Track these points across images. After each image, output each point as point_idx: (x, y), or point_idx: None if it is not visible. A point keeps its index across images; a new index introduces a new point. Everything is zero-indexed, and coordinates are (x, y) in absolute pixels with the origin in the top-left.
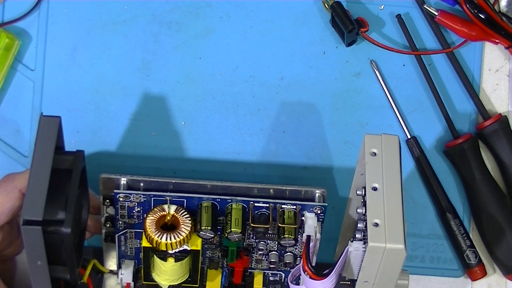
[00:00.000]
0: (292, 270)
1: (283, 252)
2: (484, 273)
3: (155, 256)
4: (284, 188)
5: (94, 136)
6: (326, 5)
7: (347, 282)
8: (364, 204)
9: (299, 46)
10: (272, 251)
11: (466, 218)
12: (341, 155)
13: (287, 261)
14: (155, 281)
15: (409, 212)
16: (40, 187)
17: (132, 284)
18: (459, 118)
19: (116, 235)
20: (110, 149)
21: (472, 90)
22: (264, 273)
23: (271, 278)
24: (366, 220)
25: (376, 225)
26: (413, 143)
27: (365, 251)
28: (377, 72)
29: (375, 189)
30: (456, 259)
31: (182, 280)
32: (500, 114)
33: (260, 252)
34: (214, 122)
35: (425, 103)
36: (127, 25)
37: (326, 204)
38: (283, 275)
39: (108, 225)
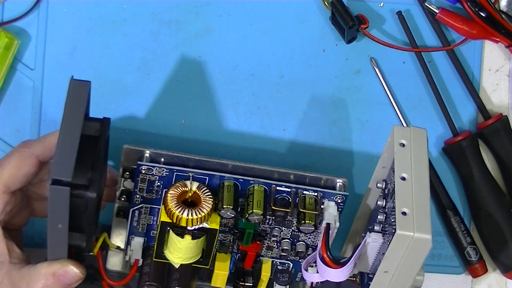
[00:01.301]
0: (306, 258)
1: (295, 240)
2: (485, 270)
3: (171, 232)
4: (305, 174)
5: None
6: (326, 2)
7: (352, 278)
8: (385, 196)
9: (298, 44)
10: (285, 238)
11: (466, 215)
12: (341, 153)
13: (299, 250)
14: (166, 259)
15: None
16: (70, 149)
17: (140, 261)
18: (458, 116)
19: (131, 209)
20: (110, 148)
21: (472, 88)
22: (273, 261)
23: (279, 267)
24: (391, 209)
25: (404, 214)
26: None
27: (383, 242)
28: (377, 70)
29: (403, 178)
30: (456, 256)
31: (194, 260)
32: (501, 114)
33: (273, 239)
34: (214, 120)
35: (425, 101)
36: (127, 24)
37: (347, 194)
38: (291, 265)
39: (123, 199)
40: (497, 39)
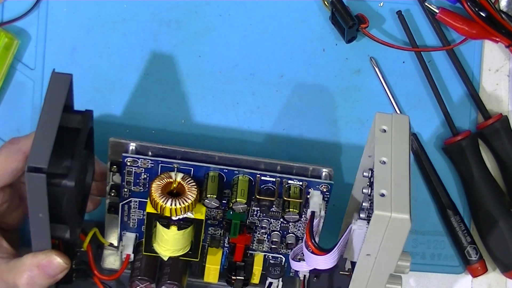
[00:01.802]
0: (294, 248)
1: (285, 232)
2: (485, 270)
3: (158, 224)
4: (292, 164)
5: (94, 134)
6: (325, 2)
7: (346, 273)
8: (371, 184)
9: (298, 43)
10: (274, 231)
11: (466, 214)
12: (341, 153)
13: (289, 242)
14: (156, 252)
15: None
16: (46, 138)
17: (132, 256)
18: (458, 116)
19: (120, 204)
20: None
21: (472, 88)
22: (265, 255)
23: (271, 261)
24: (372, 192)
25: (383, 195)
26: (413, 140)
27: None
28: (376, 69)
29: (383, 162)
30: (456, 256)
31: (183, 252)
32: (500, 114)
33: (262, 231)
34: (214, 120)
35: (424, 100)
36: (127, 23)
37: (332, 182)
38: (284, 258)
39: (112, 194)
40: (497, 39)
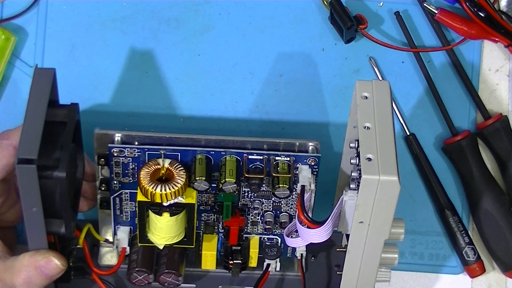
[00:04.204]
0: (287, 226)
1: (278, 212)
2: (483, 270)
3: (150, 213)
4: (278, 141)
5: (93, 132)
6: (325, 2)
7: (343, 249)
8: (358, 154)
9: (298, 43)
10: (267, 211)
11: (465, 215)
12: (340, 151)
13: (283, 221)
14: (151, 242)
15: (408, 209)
16: (34, 131)
17: (128, 249)
18: (457, 115)
19: (111, 197)
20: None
21: (471, 87)
22: (260, 238)
23: (267, 243)
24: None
25: (369, 159)
26: (412, 140)
27: None
28: (376, 69)
29: (367, 128)
30: (455, 256)
31: (178, 240)
32: (500, 114)
33: (255, 212)
34: (213, 119)
35: (423, 100)
36: (126, 21)
37: (320, 155)
38: (279, 239)
39: (103, 188)
40: (496, 39)
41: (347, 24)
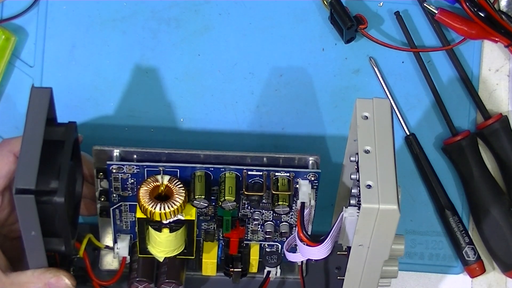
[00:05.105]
0: (287, 239)
1: (278, 222)
2: (483, 270)
3: (150, 227)
4: (278, 155)
5: (93, 132)
6: (325, 2)
7: (344, 252)
8: (358, 169)
9: (298, 43)
10: (267, 221)
11: (465, 215)
12: (341, 153)
13: (283, 231)
14: (151, 254)
15: (408, 209)
16: (32, 156)
17: (128, 258)
18: (457, 115)
19: (111, 209)
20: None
21: (471, 87)
22: (261, 244)
23: (267, 249)
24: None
25: (369, 187)
26: (412, 140)
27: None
28: (376, 69)
29: (367, 151)
30: (455, 256)
31: (178, 252)
32: (500, 114)
33: (255, 223)
34: (213, 119)
35: (424, 100)
36: (126, 22)
37: (320, 171)
38: (279, 246)
39: (102, 199)
40: (496, 39)
41: (347, 24)
